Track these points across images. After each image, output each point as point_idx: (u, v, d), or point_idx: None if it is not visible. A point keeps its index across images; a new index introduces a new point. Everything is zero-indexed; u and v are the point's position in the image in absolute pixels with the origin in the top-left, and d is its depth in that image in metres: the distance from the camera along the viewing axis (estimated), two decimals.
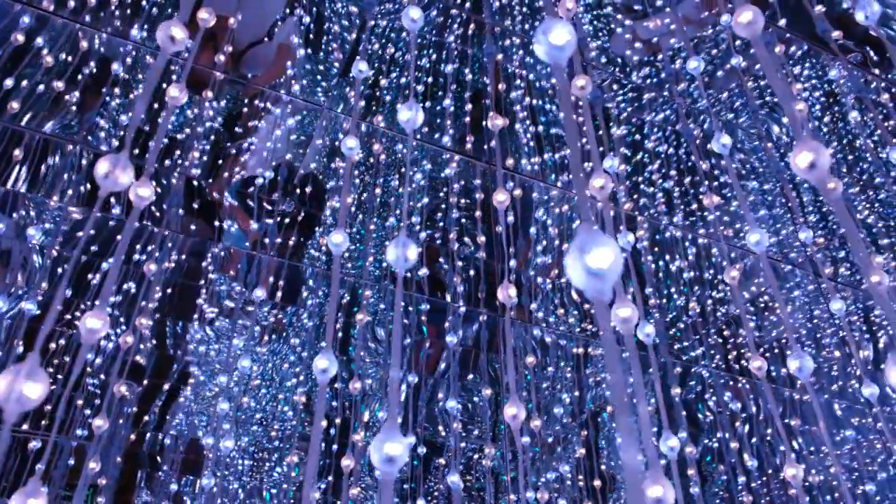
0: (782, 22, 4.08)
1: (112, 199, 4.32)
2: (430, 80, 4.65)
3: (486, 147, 4.44)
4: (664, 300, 5.83)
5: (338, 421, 4.60)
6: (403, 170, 4.93)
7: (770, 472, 6.00)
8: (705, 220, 5.18)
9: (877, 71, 4.24)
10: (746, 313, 5.91)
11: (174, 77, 4.10)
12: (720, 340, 5.94)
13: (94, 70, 4.21)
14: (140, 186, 1.20)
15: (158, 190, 4.42)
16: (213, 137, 4.80)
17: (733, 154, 5.62)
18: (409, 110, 1.76)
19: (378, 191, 4.82)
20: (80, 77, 4.13)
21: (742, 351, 5.73)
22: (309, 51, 4.73)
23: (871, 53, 4.31)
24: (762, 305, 5.91)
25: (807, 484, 5.53)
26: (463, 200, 4.95)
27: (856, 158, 4.74)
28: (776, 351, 6.10)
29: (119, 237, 4.29)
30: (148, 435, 5.45)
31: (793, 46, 4.62)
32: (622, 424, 0.70)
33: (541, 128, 5.00)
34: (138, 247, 4.51)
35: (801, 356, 1.84)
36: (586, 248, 0.73)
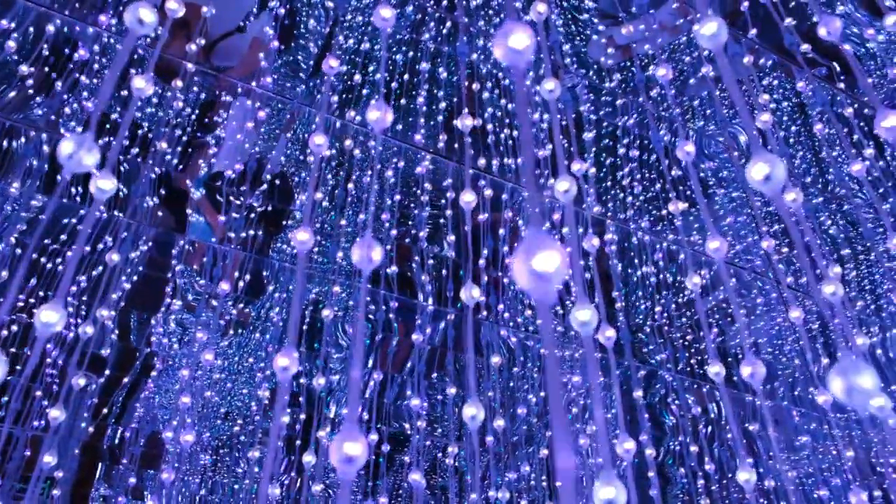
0: (753, 31, 4.15)
1: (75, 189, 4.24)
2: (405, 77, 4.64)
3: (455, 146, 4.45)
4: (632, 304, 5.90)
5: (303, 417, 4.58)
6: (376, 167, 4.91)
7: (730, 475, 6.11)
8: (674, 224, 5.25)
9: (842, 85, 4.33)
10: (712, 318, 6.00)
11: (144, 66, 4.04)
12: (684, 345, 6.02)
13: (60, 54, 4.13)
14: (101, 179, 1.18)
15: (122, 187, 4.35)
16: (184, 128, 4.74)
17: (703, 161, 5.70)
18: (378, 111, 1.76)
19: (350, 185, 4.80)
20: (45, 61, 4.05)
21: (705, 356, 5.82)
22: (282, 46, 4.69)
23: (838, 68, 4.40)
24: (728, 311, 6.01)
25: (764, 487, 5.64)
26: (443, 199, 4.96)
27: (821, 170, 4.84)
28: (740, 356, 6.21)
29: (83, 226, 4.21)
30: (108, 428, 5.36)
31: (763, 57, 4.70)
32: (556, 425, 0.71)
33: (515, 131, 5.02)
34: (108, 238, 4.44)
35: (753, 363, 1.88)
36: (532, 250, 0.74)
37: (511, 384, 5.41)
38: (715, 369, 2.51)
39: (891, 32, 4.34)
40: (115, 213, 4.36)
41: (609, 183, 5.47)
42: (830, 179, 4.93)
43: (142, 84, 1.77)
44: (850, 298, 5.53)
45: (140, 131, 4.58)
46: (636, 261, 5.67)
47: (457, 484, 5.18)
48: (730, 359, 6.16)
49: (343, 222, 4.50)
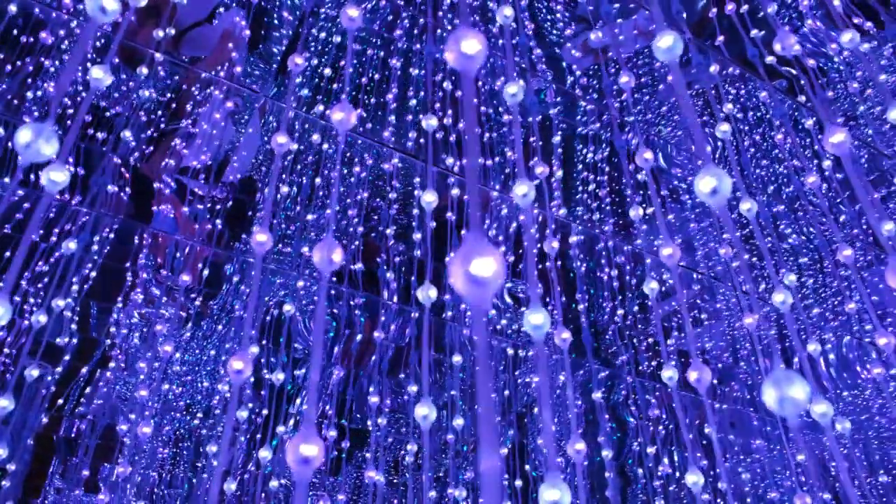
0: (721, 39, 4.22)
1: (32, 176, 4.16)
2: (374, 75, 4.63)
3: (421, 143, 4.45)
4: (598, 306, 5.96)
5: (265, 412, 4.55)
6: (345, 163, 4.90)
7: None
8: (642, 228, 5.31)
9: (803, 98, 4.42)
10: (675, 321, 6.10)
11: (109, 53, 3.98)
12: (647, 347, 6.11)
13: (23, 38, 4.04)
14: (53, 171, 1.16)
15: (83, 174, 4.27)
16: (151, 117, 4.67)
17: (673, 167, 5.78)
18: (342, 111, 1.76)
19: (318, 180, 4.77)
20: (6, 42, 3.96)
21: (661, 360, 5.91)
22: (253, 39, 4.65)
23: (802, 80, 4.49)
24: (691, 314, 6.11)
25: (718, 489, 5.75)
26: (411, 197, 4.96)
27: (780, 182, 4.95)
28: (701, 360, 6.30)
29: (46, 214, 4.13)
30: (64, 419, 5.27)
31: (731, 66, 4.79)
32: (484, 427, 0.72)
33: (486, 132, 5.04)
34: (68, 226, 4.35)
35: (700, 368, 1.92)
36: (469, 256, 0.75)
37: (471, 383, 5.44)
38: (668, 374, 2.56)
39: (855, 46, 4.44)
40: (76, 201, 4.29)
41: (579, 186, 5.52)
42: (790, 190, 5.04)
43: (99, 74, 1.75)
44: (807, 306, 5.66)
45: (106, 117, 4.50)
46: (602, 263, 5.74)
47: (415, 482, 5.20)
48: (691, 361, 6.25)
49: (310, 217, 4.48)
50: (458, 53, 1.02)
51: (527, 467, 6.24)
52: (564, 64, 5.27)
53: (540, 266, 5.07)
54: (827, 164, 4.25)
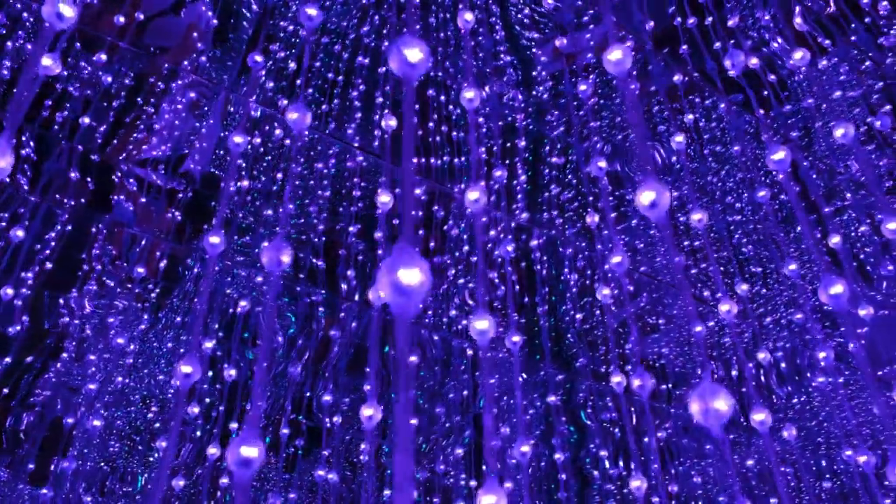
0: (684, 48, 4.29)
1: None
2: (338, 74, 4.61)
3: (377, 141, 4.45)
4: (559, 310, 6.01)
5: (221, 408, 4.50)
6: (307, 159, 4.87)
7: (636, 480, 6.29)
8: (597, 234, 5.37)
9: (762, 111, 4.52)
10: (631, 326, 6.18)
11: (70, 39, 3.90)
12: (603, 351, 6.18)
13: None
14: None
15: (35, 159, 4.18)
16: (111, 105, 4.58)
17: (635, 174, 5.86)
18: (297, 112, 1.76)
19: (280, 175, 4.73)
20: None
21: (625, 361, 5.99)
22: (220, 31, 4.59)
23: (764, 93, 4.60)
24: (646, 320, 6.20)
25: (668, 492, 5.85)
26: (372, 195, 4.94)
27: (738, 193, 5.05)
28: (657, 365, 6.41)
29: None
30: (11, 410, 5.15)
31: (692, 77, 4.87)
32: (400, 432, 0.74)
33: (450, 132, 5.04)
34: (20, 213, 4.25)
35: (643, 375, 1.96)
36: (396, 266, 0.76)
37: (432, 383, 5.46)
38: (616, 379, 2.60)
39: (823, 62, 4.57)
40: (29, 189, 4.20)
41: (543, 191, 5.56)
42: (744, 202, 5.15)
43: (48, 62, 1.72)
44: (760, 314, 5.79)
45: (66, 105, 4.41)
46: (563, 268, 5.79)
47: (369, 480, 5.19)
48: (631, 368, 6.35)
49: (269, 212, 4.45)
50: (400, 61, 1.03)
51: (484, 467, 6.26)
52: (535, 71, 5.31)
53: (501, 270, 5.12)
54: (781, 177, 4.35)
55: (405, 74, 1.04)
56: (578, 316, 5.56)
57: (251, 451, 0.87)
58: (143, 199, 4.35)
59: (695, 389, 1.02)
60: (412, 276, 0.79)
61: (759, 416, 2.05)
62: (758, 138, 4.61)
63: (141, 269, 3.40)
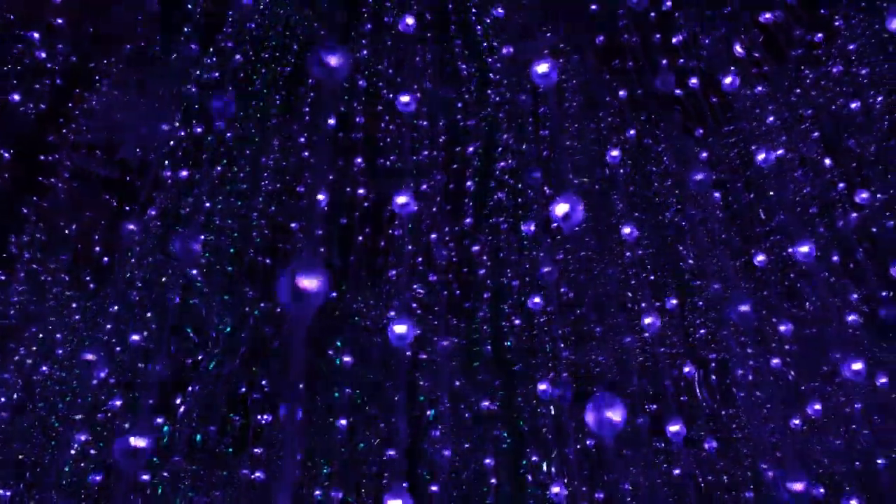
0: (630, 64, 4.38)
1: None
2: (286, 68, 4.56)
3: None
4: (504, 316, 6.03)
5: (151, 401, 4.38)
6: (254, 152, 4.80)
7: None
8: (538, 241, 5.42)
9: (702, 131, 4.66)
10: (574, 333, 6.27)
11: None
12: (548, 358, 6.23)
13: None
14: None
15: None
16: (51, 86, 4.43)
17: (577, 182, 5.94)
18: (221, 100, 1.73)
19: (235, 166, 4.64)
20: None
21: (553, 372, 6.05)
22: (165, 16, 4.48)
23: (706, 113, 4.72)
24: (583, 328, 6.29)
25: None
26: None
27: (675, 209, 5.17)
28: (596, 372, 6.51)
29: None
30: None
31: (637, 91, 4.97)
32: (287, 430, 0.74)
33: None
34: None
35: (564, 381, 1.99)
36: (296, 270, 0.76)
37: (366, 383, 5.43)
38: (542, 387, 2.63)
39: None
40: None
41: (487, 197, 5.59)
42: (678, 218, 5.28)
43: None
44: (693, 326, 5.95)
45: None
46: (507, 273, 5.83)
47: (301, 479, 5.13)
48: (582, 371, 6.46)
49: (207, 205, 4.35)
50: (321, 65, 1.03)
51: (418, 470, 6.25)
52: (491, 77, 5.32)
53: (449, 274, 5.13)
54: (717, 194, 4.48)
55: (327, 78, 1.04)
56: (517, 322, 5.61)
57: (140, 441, 0.85)
58: (76, 185, 4.21)
59: (590, 400, 1.04)
60: (312, 282, 0.80)
61: (674, 428, 2.11)
62: (694, 156, 4.73)
63: (70, 257, 3.29)
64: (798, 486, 1.30)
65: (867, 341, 4.94)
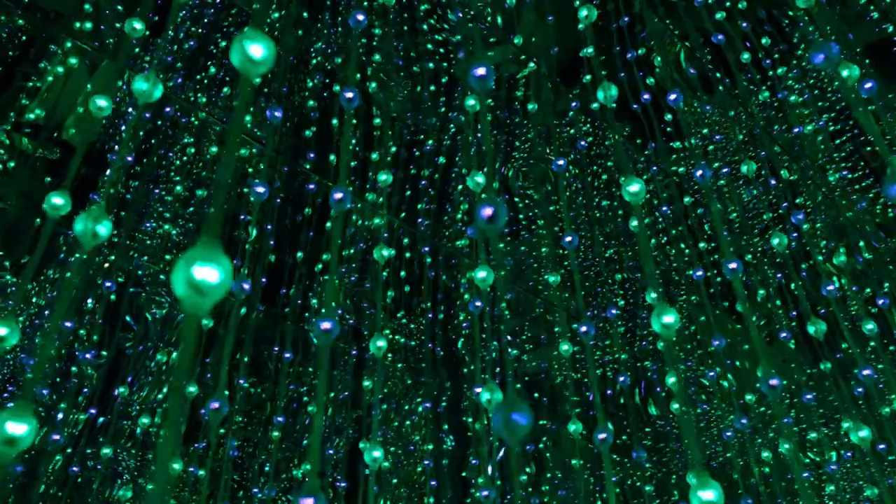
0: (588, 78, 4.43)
1: None
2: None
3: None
4: (451, 317, 6.04)
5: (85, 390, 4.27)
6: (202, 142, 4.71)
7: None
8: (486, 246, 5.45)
9: (654, 145, 4.74)
10: (517, 341, 6.32)
11: None
12: (494, 362, 6.26)
13: None
14: None
15: None
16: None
17: (528, 193, 6.00)
18: (147, 82, 1.68)
19: (183, 157, 4.55)
20: None
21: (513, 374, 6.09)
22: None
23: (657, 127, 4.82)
24: (524, 336, 6.36)
25: None
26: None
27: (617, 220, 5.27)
28: (540, 377, 6.59)
29: None
30: None
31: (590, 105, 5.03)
32: (170, 424, 0.72)
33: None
34: None
35: (492, 389, 2.01)
36: (194, 261, 0.71)
37: (311, 381, 5.38)
38: (486, 395, 2.65)
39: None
40: None
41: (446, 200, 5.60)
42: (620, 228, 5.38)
43: None
44: (641, 338, 6.06)
45: None
46: (457, 275, 5.85)
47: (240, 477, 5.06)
48: (527, 378, 6.53)
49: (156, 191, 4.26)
50: (242, 56, 1.01)
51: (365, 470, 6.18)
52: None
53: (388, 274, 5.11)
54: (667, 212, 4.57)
55: (246, 70, 1.02)
56: (465, 324, 5.64)
57: (19, 428, 0.79)
58: (13, 164, 4.07)
59: (499, 404, 1.05)
60: (210, 273, 0.74)
61: (602, 436, 2.14)
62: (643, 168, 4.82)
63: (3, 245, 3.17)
64: (709, 495, 1.33)
65: (800, 358, 5.09)
